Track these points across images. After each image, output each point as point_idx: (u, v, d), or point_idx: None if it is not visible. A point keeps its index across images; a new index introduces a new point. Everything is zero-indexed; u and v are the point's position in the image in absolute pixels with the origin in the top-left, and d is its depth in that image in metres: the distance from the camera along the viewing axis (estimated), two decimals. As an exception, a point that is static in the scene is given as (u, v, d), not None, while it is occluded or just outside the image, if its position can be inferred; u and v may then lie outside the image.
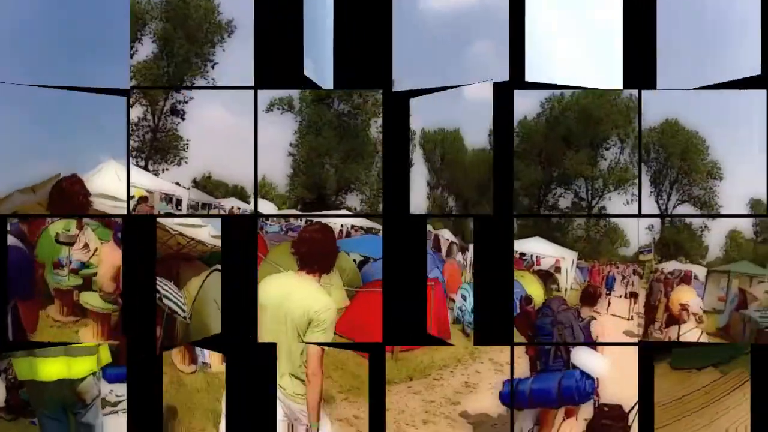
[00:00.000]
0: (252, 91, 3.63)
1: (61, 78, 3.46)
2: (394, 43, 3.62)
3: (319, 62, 3.65)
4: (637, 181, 4.25)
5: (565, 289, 4.21)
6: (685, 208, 4.34)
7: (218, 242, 3.67)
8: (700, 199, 4.32)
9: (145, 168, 4.03)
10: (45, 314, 3.55)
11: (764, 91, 3.59)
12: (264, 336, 3.11)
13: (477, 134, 3.90)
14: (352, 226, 4.40)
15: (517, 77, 3.65)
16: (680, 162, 4.29)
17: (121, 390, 3.55)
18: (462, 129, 3.98)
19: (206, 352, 3.76)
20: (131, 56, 3.87)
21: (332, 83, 3.66)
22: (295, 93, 4.02)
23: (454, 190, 4.25)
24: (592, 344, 3.73)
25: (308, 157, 4.14)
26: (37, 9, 3.55)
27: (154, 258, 3.57)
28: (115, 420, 3.54)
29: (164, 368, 3.58)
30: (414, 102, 3.64)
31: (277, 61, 3.62)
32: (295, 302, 2.79)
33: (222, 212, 3.96)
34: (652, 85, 3.73)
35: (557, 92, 4.07)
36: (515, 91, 3.70)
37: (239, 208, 4.00)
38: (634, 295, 4.35)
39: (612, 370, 3.68)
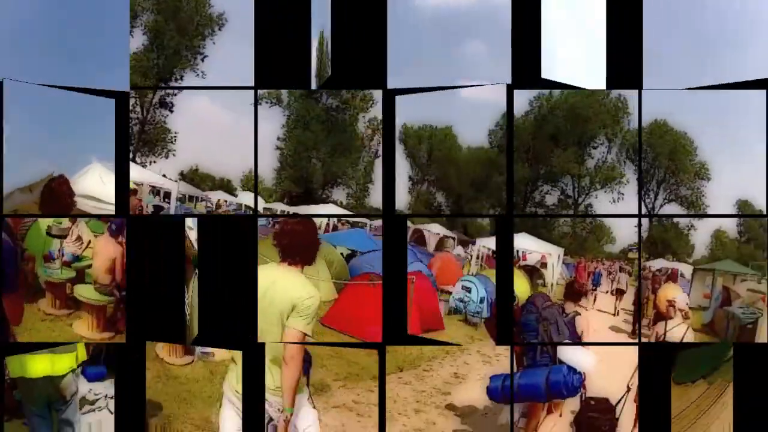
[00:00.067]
0: (243, 88, 3.62)
1: (60, 78, 3.46)
2: (389, 42, 3.60)
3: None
4: (623, 179, 4.29)
5: (552, 285, 4.23)
6: (672, 207, 4.38)
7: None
8: (687, 199, 4.36)
9: (133, 160, 4.03)
10: (36, 308, 3.54)
11: (761, 91, 3.59)
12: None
13: (473, 132, 3.92)
14: (339, 220, 4.42)
15: (516, 77, 3.64)
16: (668, 162, 4.32)
17: (99, 388, 3.56)
18: (455, 127, 4.00)
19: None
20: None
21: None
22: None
23: (444, 186, 4.27)
24: (592, 344, 3.74)
25: (296, 151, 4.16)
26: (37, 9, 3.55)
27: (184, 258, 3.54)
28: (94, 417, 3.54)
29: (148, 363, 3.57)
30: (400, 99, 3.63)
31: (280, 61, 3.59)
32: (279, 291, 2.79)
33: (209, 205, 3.97)
34: (638, 85, 3.75)
35: (546, 91, 4.09)
36: (506, 90, 3.69)
37: (226, 201, 4.01)
38: (620, 292, 4.38)
39: (599, 364, 3.70)
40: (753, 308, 3.76)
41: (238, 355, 3.03)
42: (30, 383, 3.34)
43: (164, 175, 4.04)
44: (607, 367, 3.72)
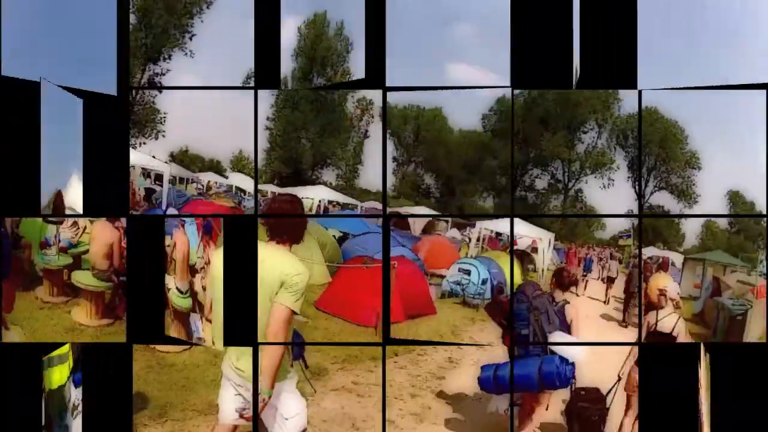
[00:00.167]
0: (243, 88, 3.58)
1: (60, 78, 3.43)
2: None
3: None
4: (614, 165, 4.29)
5: (542, 270, 4.23)
6: (662, 196, 4.39)
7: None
8: (678, 188, 4.37)
9: (123, 141, 4.02)
10: (33, 296, 3.50)
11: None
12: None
13: (466, 116, 3.92)
14: (330, 201, 4.41)
15: (515, 79, 3.62)
16: (658, 149, 4.33)
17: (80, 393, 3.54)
18: (445, 109, 4.00)
19: (199, 325, 3.70)
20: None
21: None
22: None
23: (433, 167, 4.26)
24: (592, 344, 3.73)
25: (285, 131, 4.15)
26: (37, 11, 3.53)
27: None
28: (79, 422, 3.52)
29: (135, 355, 3.53)
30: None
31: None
32: (267, 269, 2.75)
33: (200, 186, 3.95)
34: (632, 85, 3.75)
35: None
36: (493, 74, 3.70)
37: (216, 183, 4.00)
38: (610, 280, 4.38)
39: (590, 354, 3.69)
40: (743, 299, 3.78)
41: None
42: (53, 394, 3.32)
43: (154, 157, 4.02)
44: (598, 357, 3.72)
